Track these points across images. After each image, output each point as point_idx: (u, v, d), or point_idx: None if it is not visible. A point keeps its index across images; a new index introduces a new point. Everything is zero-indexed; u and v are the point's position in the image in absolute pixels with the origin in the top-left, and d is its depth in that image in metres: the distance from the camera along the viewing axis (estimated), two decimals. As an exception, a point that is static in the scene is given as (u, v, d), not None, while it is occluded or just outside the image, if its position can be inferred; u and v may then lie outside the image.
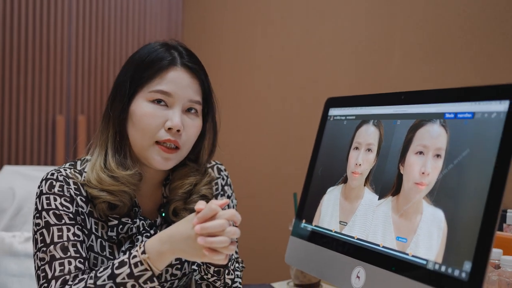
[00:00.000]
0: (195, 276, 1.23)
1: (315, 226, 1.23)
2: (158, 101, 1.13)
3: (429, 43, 1.76)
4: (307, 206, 1.29)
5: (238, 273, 1.20)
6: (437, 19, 1.76)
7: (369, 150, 1.14)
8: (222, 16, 2.68)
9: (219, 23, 2.66)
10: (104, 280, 0.98)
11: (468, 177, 0.88)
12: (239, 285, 1.21)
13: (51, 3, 2.41)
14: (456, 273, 0.85)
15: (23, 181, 1.71)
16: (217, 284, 1.16)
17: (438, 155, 0.95)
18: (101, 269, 1.01)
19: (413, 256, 0.94)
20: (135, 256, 1.00)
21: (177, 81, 1.14)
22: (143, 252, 0.99)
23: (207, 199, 1.24)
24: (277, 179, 2.21)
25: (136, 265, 0.98)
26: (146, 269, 0.98)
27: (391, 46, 1.86)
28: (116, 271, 0.99)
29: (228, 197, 1.32)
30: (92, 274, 1.01)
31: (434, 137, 0.97)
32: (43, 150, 2.37)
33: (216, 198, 1.29)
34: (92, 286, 0.99)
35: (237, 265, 1.18)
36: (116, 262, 1.01)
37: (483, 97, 0.90)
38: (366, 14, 1.98)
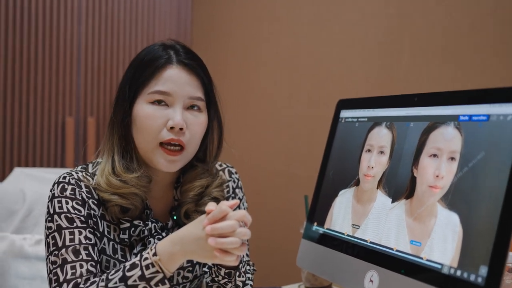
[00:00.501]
0: (206, 278, 1.22)
1: (327, 229, 1.22)
2: (158, 102, 1.13)
3: (438, 44, 1.75)
4: (318, 208, 1.28)
5: (249, 275, 1.19)
6: (447, 20, 1.75)
7: (381, 152, 1.13)
8: (231, 15, 2.67)
9: (228, 21, 2.66)
10: (116, 283, 0.98)
11: (483, 181, 0.87)
12: (251, 287, 1.20)
13: (60, 4, 2.41)
14: (472, 277, 0.84)
15: (33, 183, 1.71)
16: (227, 287, 1.16)
17: (452, 158, 0.94)
18: (113, 271, 1.01)
19: (427, 260, 0.93)
20: (146, 258, 0.99)
21: (174, 79, 1.13)
22: (154, 254, 0.99)
23: (218, 201, 1.23)
24: (287, 181, 2.21)
25: (147, 267, 0.98)
26: (157, 271, 0.98)
27: (400, 47, 1.85)
28: (128, 274, 0.99)
29: (240, 200, 1.31)
30: (104, 277, 1.01)
31: (448, 139, 0.96)
32: (52, 152, 2.38)
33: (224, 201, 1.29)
34: None
35: (248, 267, 1.18)
36: (128, 264, 1.00)
37: (499, 99, 0.89)
38: (375, 14, 1.97)
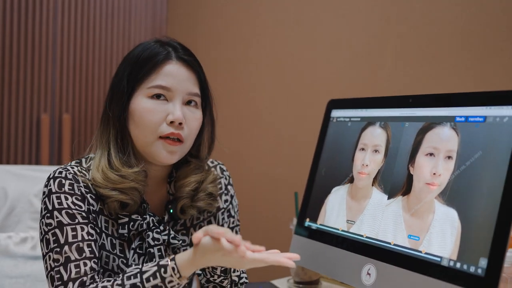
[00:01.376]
0: (200, 279, 1.24)
1: (320, 224, 1.26)
2: (158, 96, 1.13)
3: (423, 47, 1.82)
4: (311, 205, 1.31)
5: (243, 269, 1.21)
6: (431, 24, 1.81)
7: (376, 151, 1.17)
8: (208, 12, 2.68)
9: (205, 20, 2.67)
10: None
11: (482, 178, 0.92)
12: (246, 280, 1.22)
13: (36, 0, 2.37)
14: (472, 269, 0.89)
15: (15, 180, 1.68)
16: (224, 284, 1.18)
17: (449, 157, 0.99)
18: (129, 280, 1.02)
19: (426, 253, 0.98)
20: (171, 281, 1.01)
21: (174, 75, 1.14)
22: (180, 277, 1.00)
23: (213, 196, 1.25)
24: (276, 178, 2.23)
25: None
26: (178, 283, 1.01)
27: (385, 49, 1.91)
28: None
29: (231, 196, 1.33)
30: (119, 281, 1.02)
31: (444, 139, 1.02)
32: (27, 149, 2.33)
33: (221, 198, 1.30)
34: None
35: None
36: (149, 287, 1.01)
37: (494, 102, 0.95)
38: (361, 17, 2.03)
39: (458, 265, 0.91)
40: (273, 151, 2.27)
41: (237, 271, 1.21)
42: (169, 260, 1.01)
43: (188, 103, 1.16)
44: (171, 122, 1.12)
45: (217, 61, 2.54)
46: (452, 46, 1.72)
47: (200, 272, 1.22)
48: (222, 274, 1.16)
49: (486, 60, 1.62)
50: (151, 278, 1.00)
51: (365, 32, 1.98)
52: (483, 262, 0.87)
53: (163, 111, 1.13)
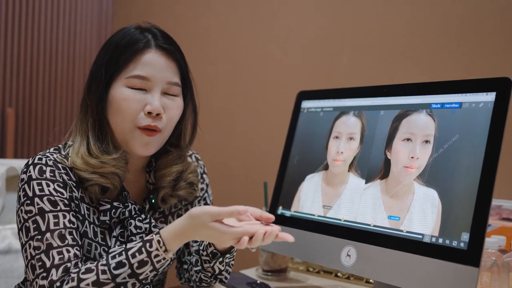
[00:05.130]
0: (192, 248, 1.25)
1: (295, 211, 1.29)
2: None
3: (376, 43, 1.90)
4: (283, 193, 1.35)
5: (229, 269, 1.20)
6: (384, 20, 1.90)
7: (351, 138, 1.22)
8: (154, 9, 2.66)
9: (151, 15, 2.64)
10: (125, 278, 0.98)
11: (460, 158, 0.99)
12: (224, 280, 1.21)
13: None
14: (455, 243, 0.95)
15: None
16: (205, 265, 1.17)
17: (427, 141, 1.06)
18: (114, 261, 1.00)
19: (407, 232, 1.03)
20: (157, 255, 1.00)
21: (153, 64, 1.13)
22: (165, 251, 1.00)
23: (194, 185, 1.25)
24: (245, 169, 2.24)
25: (158, 261, 1.00)
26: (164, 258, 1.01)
27: (341, 44, 1.98)
28: (138, 271, 0.99)
29: (207, 185, 1.34)
30: (106, 268, 1.00)
31: (421, 125, 1.08)
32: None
33: (197, 186, 1.30)
34: (109, 281, 0.99)
35: (232, 262, 1.19)
36: (135, 262, 1.00)
37: (469, 89, 1.03)
38: (315, 15, 2.08)
39: (440, 240, 0.98)
40: (242, 144, 2.28)
41: (224, 265, 1.19)
42: (153, 234, 1.01)
43: (168, 92, 1.16)
44: (149, 113, 1.11)
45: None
46: (406, 41, 1.82)
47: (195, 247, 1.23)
48: (210, 255, 1.14)
49: (440, 53, 1.72)
50: (136, 254, 0.99)
51: (320, 30, 2.05)
52: (465, 236, 0.94)
53: (141, 101, 1.11)
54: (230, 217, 0.99)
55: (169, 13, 2.58)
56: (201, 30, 2.46)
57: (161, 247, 0.99)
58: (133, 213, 1.14)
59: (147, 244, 0.99)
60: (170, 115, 1.15)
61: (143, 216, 1.16)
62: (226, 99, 2.35)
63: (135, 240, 1.13)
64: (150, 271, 0.99)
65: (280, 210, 1.33)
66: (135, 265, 0.98)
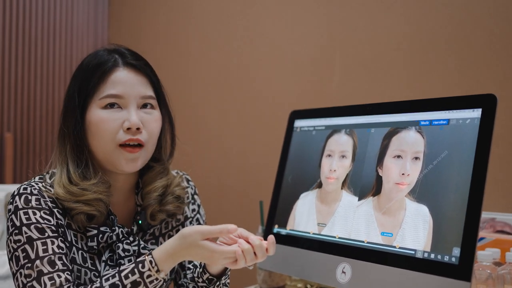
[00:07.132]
0: (187, 274, 1.25)
1: (290, 230, 1.31)
2: (111, 105, 1.12)
3: (367, 61, 1.93)
4: (279, 212, 1.36)
5: None
6: (374, 38, 1.93)
7: (343, 156, 1.24)
8: (150, 30, 2.69)
9: (147, 44, 2.67)
10: None
11: (449, 174, 1.01)
12: None
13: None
14: (446, 258, 0.97)
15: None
16: None
17: (417, 158, 1.08)
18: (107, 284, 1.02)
19: (400, 247, 1.05)
20: (149, 276, 1.02)
21: (123, 81, 1.14)
22: (157, 271, 1.02)
23: (181, 199, 1.26)
24: (241, 189, 2.25)
25: (151, 282, 1.02)
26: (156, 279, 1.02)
27: (332, 64, 2.00)
28: None
29: (198, 206, 1.35)
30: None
31: (410, 142, 1.10)
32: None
33: (188, 207, 1.32)
34: None
35: (228, 281, 1.21)
36: (128, 283, 1.01)
37: (456, 106, 1.05)
38: (306, 33, 2.11)
39: (432, 256, 0.99)
40: (237, 163, 2.29)
41: (222, 286, 1.20)
42: (146, 255, 1.02)
43: (143, 106, 1.16)
44: (128, 129, 1.12)
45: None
46: (396, 59, 1.84)
47: (191, 267, 1.24)
48: (206, 282, 1.15)
49: (428, 70, 1.75)
50: (129, 275, 1.00)
51: (311, 48, 2.07)
52: (456, 251, 0.95)
53: (118, 119, 1.12)
54: (220, 235, 1.01)
55: (163, 19, 2.61)
56: (193, 44, 2.49)
57: (153, 267, 1.00)
58: (120, 236, 1.15)
59: (140, 265, 1.01)
60: (151, 128, 1.16)
61: (131, 238, 1.17)
62: (220, 118, 2.37)
63: (124, 264, 1.14)
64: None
65: (275, 229, 1.35)
66: (128, 286, 1.00)
